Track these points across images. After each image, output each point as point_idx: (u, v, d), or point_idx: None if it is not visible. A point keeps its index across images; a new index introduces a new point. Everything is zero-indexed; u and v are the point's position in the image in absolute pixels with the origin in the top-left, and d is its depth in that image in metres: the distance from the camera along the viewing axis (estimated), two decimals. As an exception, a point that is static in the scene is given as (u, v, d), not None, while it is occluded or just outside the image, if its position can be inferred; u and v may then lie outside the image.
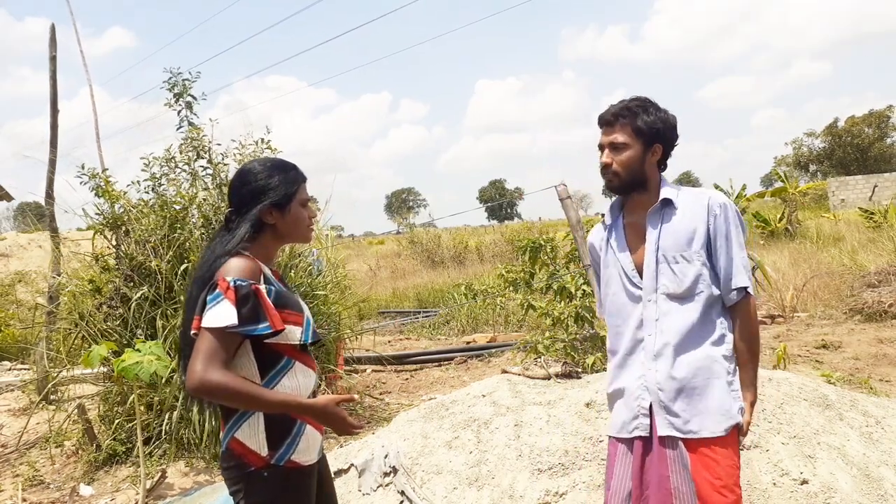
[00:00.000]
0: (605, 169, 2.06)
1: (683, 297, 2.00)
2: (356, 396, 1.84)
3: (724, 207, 2.02)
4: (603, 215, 2.21)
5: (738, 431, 2.00)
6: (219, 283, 1.75)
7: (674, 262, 2.00)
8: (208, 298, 1.75)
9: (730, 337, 2.03)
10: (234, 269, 1.77)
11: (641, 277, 2.06)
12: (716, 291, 2.02)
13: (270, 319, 1.77)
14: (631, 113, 2.02)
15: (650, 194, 2.08)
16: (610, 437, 2.14)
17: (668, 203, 2.04)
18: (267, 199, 1.88)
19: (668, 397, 1.98)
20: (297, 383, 1.86)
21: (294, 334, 1.85)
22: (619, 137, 2.03)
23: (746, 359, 2.04)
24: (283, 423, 1.81)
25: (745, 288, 2.01)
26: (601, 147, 2.08)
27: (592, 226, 6.10)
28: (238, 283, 1.74)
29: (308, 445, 1.86)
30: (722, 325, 2.02)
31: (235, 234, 1.87)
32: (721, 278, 2.02)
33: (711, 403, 1.96)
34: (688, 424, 1.95)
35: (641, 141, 2.02)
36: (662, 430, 1.98)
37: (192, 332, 1.77)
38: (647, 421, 2.01)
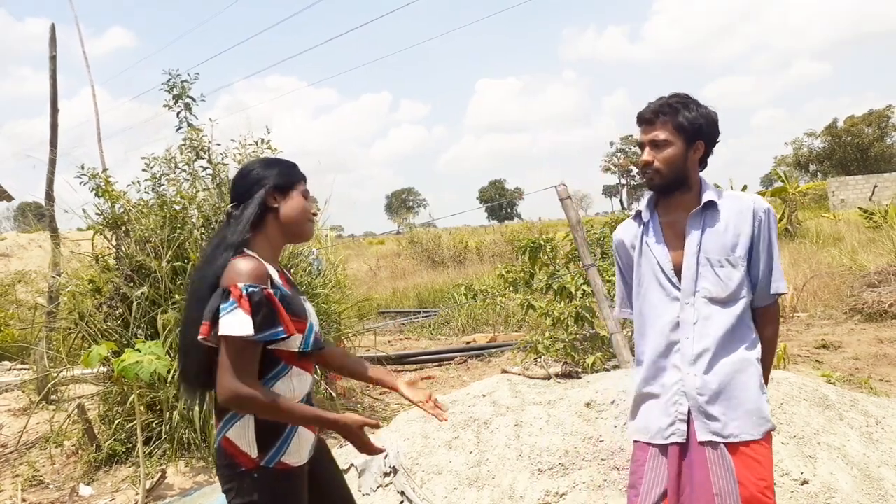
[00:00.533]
0: (647, 167, 2.00)
1: (726, 302, 1.97)
2: (381, 424, 1.84)
3: (767, 213, 1.99)
4: (639, 212, 2.13)
5: (771, 437, 1.99)
6: (231, 290, 1.71)
7: (719, 266, 1.96)
8: (221, 307, 1.71)
9: (758, 339, 2.02)
10: (243, 273, 1.73)
11: (679, 279, 2.02)
12: (750, 293, 2.01)
13: (284, 325, 1.76)
14: (672, 109, 1.97)
15: (692, 194, 2.02)
16: (637, 441, 2.10)
17: (710, 205, 1.99)
18: (269, 182, 1.88)
19: (708, 402, 1.95)
20: (292, 386, 1.85)
21: (295, 342, 1.83)
22: (661, 134, 1.97)
23: (766, 360, 2.05)
24: (272, 426, 1.80)
25: (779, 293, 2.02)
26: (641, 145, 2.03)
27: (592, 226, 6.15)
28: (251, 289, 1.71)
29: (299, 447, 1.85)
30: (753, 328, 2.02)
31: (241, 217, 1.85)
32: (759, 283, 2.01)
33: (749, 407, 1.94)
34: (727, 428, 1.93)
35: (683, 138, 1.97)
36: (702, 435, 1.94)
37: (200, 337, 1.75)
38: (685, 427, 1.97)
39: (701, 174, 2.06)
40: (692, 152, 1.99)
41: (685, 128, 1.96)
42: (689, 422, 1.98)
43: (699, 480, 1.94)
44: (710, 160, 2.08)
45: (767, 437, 1.97)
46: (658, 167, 1.98)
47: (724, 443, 1.93)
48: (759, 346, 2.01)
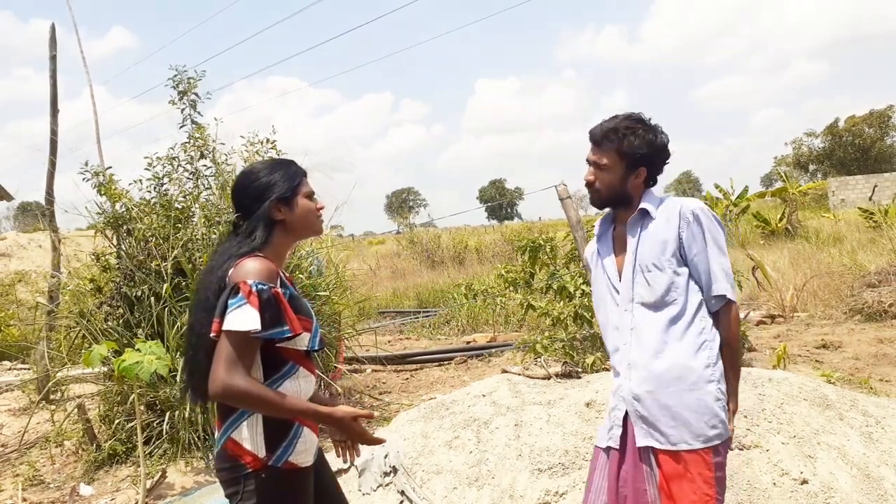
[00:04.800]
0: (589, 185, 2.11)
1: (657, 306, 2.00)
2: (375, 413, 1.83)
3: (696, 214, 2.00)
4: (594, 227, 2.26)
5: (721, 444, 1.95)
6: (240, 286, 1.72)
7: (647, 271, 2.01)
8: (230, 302, 1.72)
9: (712, 345, 1.99)
10: (253, 271, 1.75)
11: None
12: (694, 299, 2.00)
13: (290, 323, 1.77)
14: (618, 136, 2.04)
15: (633, 208, 2.10)
16: (595, 445, 2.15)
17: (646, 213, 2.06)
18: (272, 194, 1.88)
19: (644, 408, 1.97)
20: (299, 387, 1.87)
21: (303, 340, 1.86)
22: (604, 159, 2.06)
23: (726, 367, 2.01)
24: (281, 425, 1.81)
25: (725, 295, 1.99)
26: (588, 162, 2.12)
27: (592, 226, 6.14)
28: (260, 286, 1.73)
29: (306, 447, 1.86)
30: (703, 333, 1.98)
31: (254, 236, 1.86)
32: (702, 286, 2.01)
33: (688, 415, 1.93)
34: (664, 436, 1.95)
35: (625, 164, 2.05)
36: (641, 440, 1.98)
37: (213, 335, 1.76)
38: (620, 432, 2.03)
39: (651, 189, 2.12)
40: (633, 177, 2.07)
41: (628, 155, 2.03)
42: (626, 427, 2.02)
43: (635, 488, 1.98)
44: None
45: (714, 449, 1.93)
46: (598, 188, 2.09)
47: (660, 450, 1.94)
48: (708, 350, 1.97)
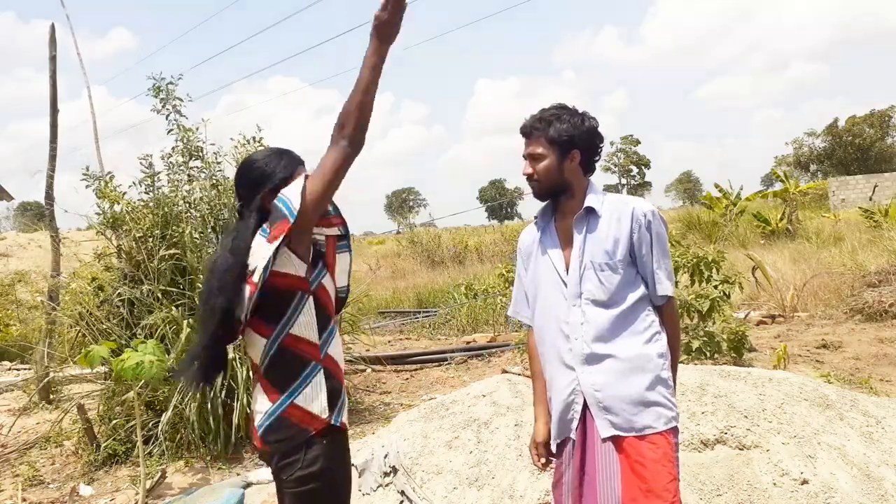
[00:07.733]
0: (528, 178, 2.15)
1: (608, 304, 2.04)
2: None
3: (647, 216, 2.07)
4: (536, 217, 2.27)
5: (678, 425, 2.04)
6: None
7: (600, 270, 2.05)
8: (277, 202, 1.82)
9: (661, 337, 2.07)
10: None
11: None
12: (642, 294, 2.07)
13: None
14: (544, 123, 2.09)
15: (576, 200, 2.13)
16: (556, 443, 2.16)
17: (592, 211, 2.10)
18: (267, 184, 1.90)
19: (606, 398, 2.01)
20: (337, 353, 1.93)
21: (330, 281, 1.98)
22: (537, 149, 2.10)
23: (671, 356, 2.11)
24: (336, 386, 1.87)
25: (668, 294, 2.09)
26: (524, 158, 2.16)
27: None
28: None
29: (346, 408, 1.93)
30: (653, 325, 2.07)
31: (246, 225, 1.88)
32: (648, 284, 2.09)
33: (650, 401, 1.99)
34: (629, 423, 1.98)
35: (557, 149, 2.09)
36: (605, 431, 2.00)
37: (250, 290, 1.78)
38: (579, 424, 2.05)
39: (591, 179, 2.17)
40: (568, 161, 2.10)
41: (556, 140, 2.08)
42: (585, 420, 2.04)
43: (590, 478, 2.01)
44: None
45: (674, 430, 2.02)
46: (537, 178, 2.12)
47: (619, 439, 1.98)
48: (661, 340, 2.06)
